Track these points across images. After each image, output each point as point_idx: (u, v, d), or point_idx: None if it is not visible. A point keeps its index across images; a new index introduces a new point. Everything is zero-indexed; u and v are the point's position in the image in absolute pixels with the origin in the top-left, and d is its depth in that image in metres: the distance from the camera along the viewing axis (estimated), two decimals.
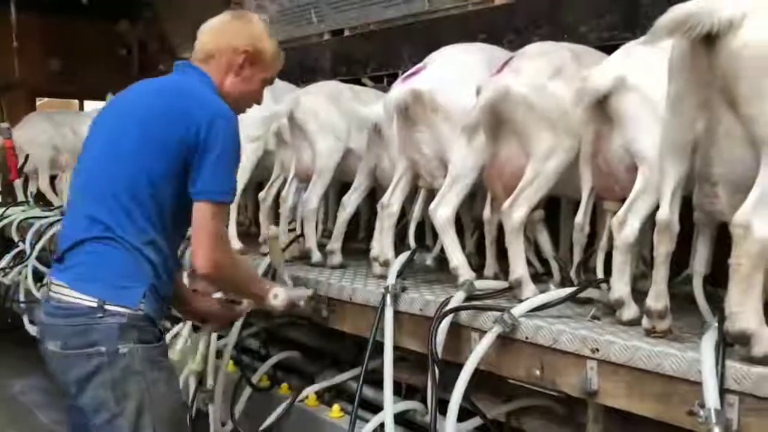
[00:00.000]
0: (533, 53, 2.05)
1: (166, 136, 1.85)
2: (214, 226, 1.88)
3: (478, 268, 2.32)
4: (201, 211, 1.87)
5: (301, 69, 4.03)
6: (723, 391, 1.41)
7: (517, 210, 1.96)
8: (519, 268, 2.00)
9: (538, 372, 1.79)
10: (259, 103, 2.14)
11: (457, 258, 2.20)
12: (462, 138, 2.11)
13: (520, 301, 1.94)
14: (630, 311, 1.79)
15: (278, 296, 2.19)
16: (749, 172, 1.44)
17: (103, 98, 5.19)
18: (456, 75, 2.27)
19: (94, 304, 1.78)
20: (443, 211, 2.21)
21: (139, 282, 1.83)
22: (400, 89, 2.28)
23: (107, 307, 1.77)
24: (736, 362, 1.44)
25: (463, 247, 2.37)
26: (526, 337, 1.80)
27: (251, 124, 2.90)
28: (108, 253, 1.82)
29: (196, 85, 1.96)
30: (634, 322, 1.76)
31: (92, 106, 6.50)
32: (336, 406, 2.45)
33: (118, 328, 1.78)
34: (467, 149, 2.16)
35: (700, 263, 1.66)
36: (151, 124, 1.87)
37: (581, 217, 1.98)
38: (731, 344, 1.46)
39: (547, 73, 1.97)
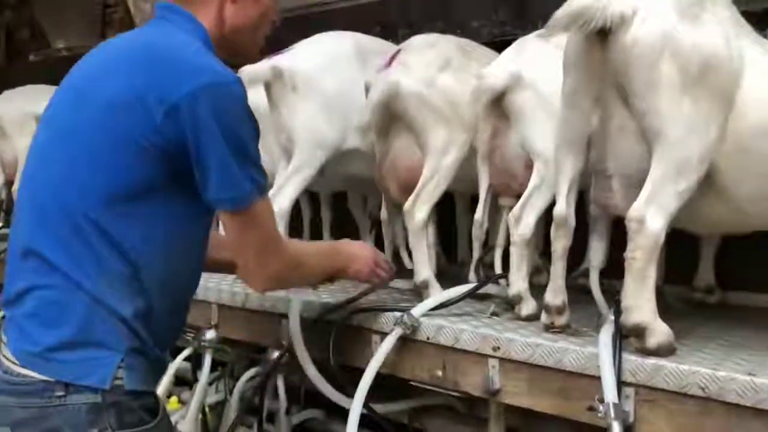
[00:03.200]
0: (420, 46, 2.02)
1: (131, 130, 1.28)
2: (253, 237, 1.38)
3: None
4: (228, 224, 1.38)
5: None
6: (620, 384, 1.43)
7: (420, 210, 1.92)
8: (424, 269, 1.95)
9: (440, 373, 1.74)
10: (268, 33, 1.56)
11: None
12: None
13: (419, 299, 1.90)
14: (528, 307, 1.79)
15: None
16: (643, 166, 1.46)
17: None
18: (320, 57, 2.22)
19: (52, 380, 1.27)
20: (283, 202, 2.16)
21: (111, 348, 1.29)
22: (260, 65, 2.18)
23: (72, 383, 1.27)
24: (631, 355, 1.45)
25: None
26: (428, 338, 1.76)
27: None
28: (62, 310, 1.28)
29: (173, 42, 1.37)
30: (533, 318, 1.76)
31: None
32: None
33: (88, 411, 1.26)
34: (313, 136, 2.12)
35: (596, 257, 1.68)
36: (110, 113, 1.29)
37: (479, 214, 1.97)
38: (627, 337, 1.48)
39: (436, 66, 1.95)
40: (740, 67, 1.43)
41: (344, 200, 2.84)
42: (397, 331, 1.76)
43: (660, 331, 1.45)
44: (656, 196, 1.41)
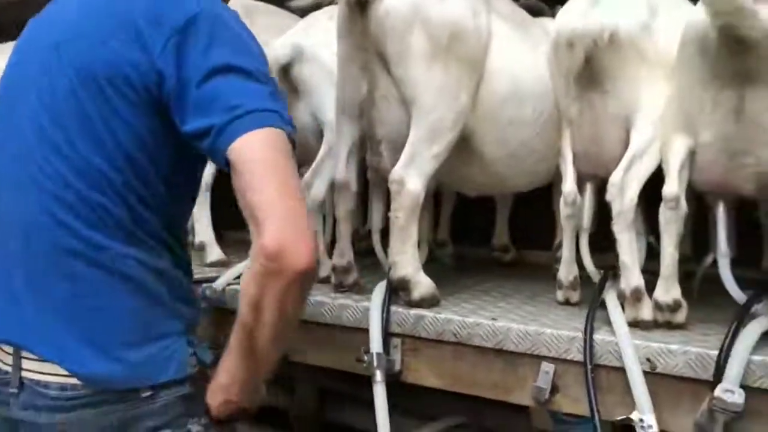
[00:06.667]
0: None
1: (114, 70, 1.05)
2: (280, 167, 0.96)
3: None
4: (245, 146, 0.97)
5: (18, 28, 3.62)
6: (388, 336, 1.53)
7: None
8: (204, 232, 2.03)
9: None
10: None
11: None
12: None
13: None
14: (325, 269, 1.86)
15: None
16: (405, 131, 1.55)
17: None
18: None
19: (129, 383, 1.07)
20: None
21: (176, 321, 1.13)
22: None
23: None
24: (400, 308, 1.56)
25: None
26: (224, 304, 1.80)
27: None
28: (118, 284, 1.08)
29: None
30: (327, 280, 1.83)
31: None
32: None
33: (182, 400, 1.10)
34: None
35: (377, 220, 1.77)
36: (88, 57, 1.07)
37: None
38: (397, 291, 1.58)
39: None
40: (488, 39, 1.54)
41: None
42: (203, 305, 1.77)
43: (423, 284, 1.56)
44: (414, 159, 1.51)
